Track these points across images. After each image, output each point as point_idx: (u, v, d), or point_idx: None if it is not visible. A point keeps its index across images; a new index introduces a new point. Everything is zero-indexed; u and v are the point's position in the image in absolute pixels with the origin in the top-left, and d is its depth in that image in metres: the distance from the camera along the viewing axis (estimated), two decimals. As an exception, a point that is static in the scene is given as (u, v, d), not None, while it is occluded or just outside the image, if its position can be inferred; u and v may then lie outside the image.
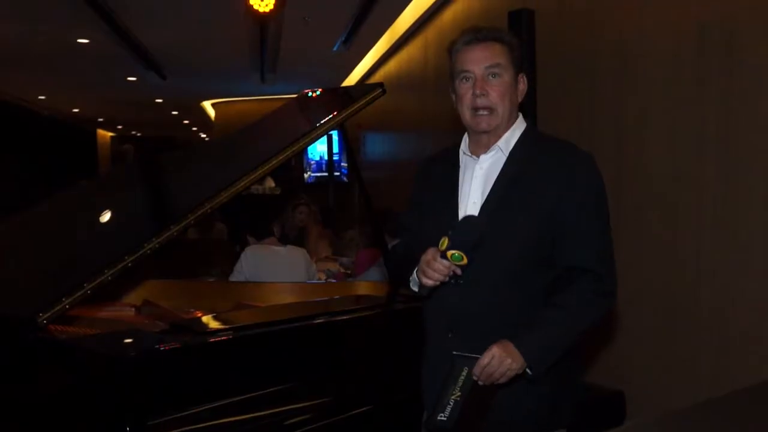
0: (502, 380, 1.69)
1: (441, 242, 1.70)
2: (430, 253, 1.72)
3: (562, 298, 1.75)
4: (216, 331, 2.22)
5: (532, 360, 1.69)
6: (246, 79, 11.31)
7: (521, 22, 3.38)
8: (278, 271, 4.00)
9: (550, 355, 1.72)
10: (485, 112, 1.81)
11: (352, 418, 2.16)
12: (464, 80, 1.83)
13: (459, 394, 1.67)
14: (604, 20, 3.66)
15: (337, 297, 3.12)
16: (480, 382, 1.68)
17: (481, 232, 1.70)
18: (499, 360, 1.66)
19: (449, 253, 1.67)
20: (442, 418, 1.67)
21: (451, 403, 1.67)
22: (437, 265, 1.70)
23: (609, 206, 1.84)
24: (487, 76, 1.80)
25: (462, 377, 1.67)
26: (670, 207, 3.16)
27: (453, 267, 1.70)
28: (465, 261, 1.68)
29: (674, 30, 3.13)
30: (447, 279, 1.72)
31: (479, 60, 1.80)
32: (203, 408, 1.95)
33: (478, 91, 1.80)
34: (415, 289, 1.84)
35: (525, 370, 1.70)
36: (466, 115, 1.84)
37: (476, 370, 1.67)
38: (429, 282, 1.72)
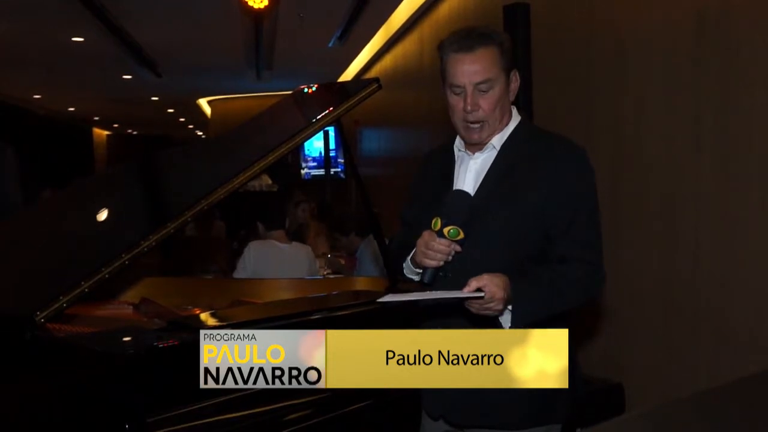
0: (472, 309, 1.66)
1: (434, 223, 1.71)
2: (427, 235, 1.73)
3: (561, 269, 1.73)
4: (214, 328, 2.22)
5: (516, 319, 1.67)
6: (242, 76, 11.30)
7: (516, 16, 3.39)
8: (281, 267, 3.97)
9: (531, 319, 1.68)
10: (477, 126, 1.81)
11: (351, 413, 2.16)
12: (455, 93, 1.82)
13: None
14: (599, 12, 3.66)
15: (335, 292, 3.11)
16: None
17: (469, 203, 1.72)
18: (494, 305, 1.63)
19: (445, 230, 1.69)
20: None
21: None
22: (437, 246, 1.70)
23: (606, 199, 1.85)
24: (477, 90, 1.78)
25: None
26: (667, 199, 3.16)
27: (453, 245, 1.71)
28: (462, 235, 1.69)
29: (671, 21, 3.13)
30: (449, 257, 1.72)
31: (469, 74, 1.77)
32: (202, 404, 1.95)
33: (469, 108, 1.78)
34: (415, 277, 1.84)
35: (498, 319, 1.68)
36: (459, 126, 1.85)
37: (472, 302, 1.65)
38: (432, 263, 1.72)
